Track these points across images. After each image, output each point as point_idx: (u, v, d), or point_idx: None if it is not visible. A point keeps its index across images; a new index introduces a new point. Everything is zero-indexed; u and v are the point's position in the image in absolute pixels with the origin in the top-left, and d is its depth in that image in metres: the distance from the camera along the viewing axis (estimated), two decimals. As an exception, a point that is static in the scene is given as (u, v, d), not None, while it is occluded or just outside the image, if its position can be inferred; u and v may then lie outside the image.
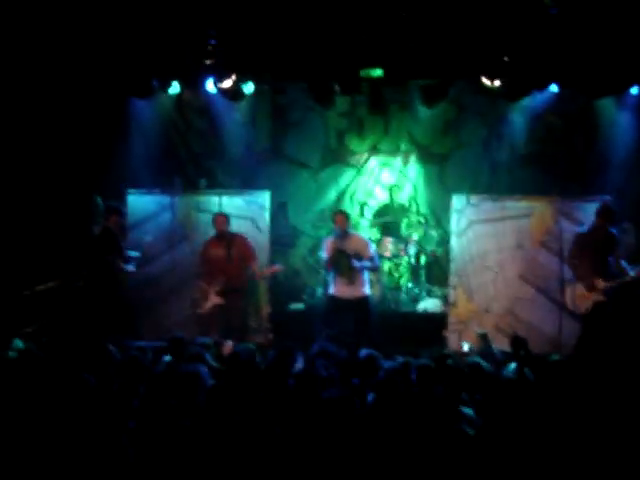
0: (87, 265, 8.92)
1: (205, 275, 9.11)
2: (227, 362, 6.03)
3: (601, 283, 8.37)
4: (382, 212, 11.31)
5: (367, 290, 8.96)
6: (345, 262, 8.68)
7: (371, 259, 8.86)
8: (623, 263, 8.51)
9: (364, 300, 8.88)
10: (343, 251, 8.69)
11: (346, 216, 9.02)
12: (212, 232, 9.35)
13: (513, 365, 6.27)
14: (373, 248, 9.10)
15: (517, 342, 5.61)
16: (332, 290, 8.91)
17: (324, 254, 8.93)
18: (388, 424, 4.56)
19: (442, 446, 4.28)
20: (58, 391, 4.72)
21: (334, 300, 8.88)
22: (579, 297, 8.59)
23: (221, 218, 9.14)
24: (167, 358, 6.36)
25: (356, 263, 8.66)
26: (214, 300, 8.89)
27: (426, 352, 7.88)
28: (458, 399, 5.04)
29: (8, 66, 9.15)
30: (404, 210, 11.34)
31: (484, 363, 5.83)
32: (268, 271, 9.46)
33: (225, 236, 9.09)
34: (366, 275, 8.97)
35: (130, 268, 9.03)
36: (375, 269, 9.34)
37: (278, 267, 9.67)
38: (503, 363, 6.61)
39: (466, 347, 8.91)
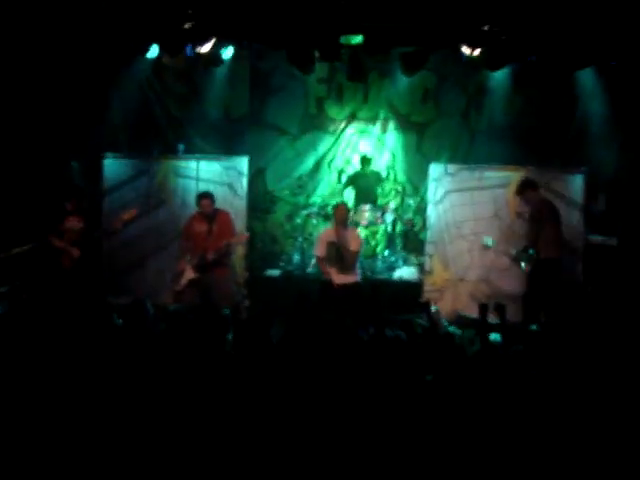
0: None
1: (187, 251, 8.86)
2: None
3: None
4: (353, 179, 11.27)
5: (358, 277, 9.03)
6: (335, 254, 8.76)
7: (354, 254, 8.80)
8: None
9: (355, 286, 8.91)
10: (335, 244, 8.75)
11: (347, 210, 9.07)
12: (189, 198, 9.38)
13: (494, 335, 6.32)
14: (361, 247, 9.10)
15: (482, 309, 5.63)
16: (325, 276, 9.00)
17: (317, 249, 9.05)
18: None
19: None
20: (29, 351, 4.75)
21: (326, 285, 8.93)
22: None
23: (207, 201, 8.77)
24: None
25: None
26: (189, 275, 8.66)
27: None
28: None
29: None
30: (379, 178, 11.32)
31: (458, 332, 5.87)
32: (236, 240, 9.02)
33: (210, 213, 8.80)
34: (358, 264, 9.05)
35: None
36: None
37: (245, 235, 9.23)
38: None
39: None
